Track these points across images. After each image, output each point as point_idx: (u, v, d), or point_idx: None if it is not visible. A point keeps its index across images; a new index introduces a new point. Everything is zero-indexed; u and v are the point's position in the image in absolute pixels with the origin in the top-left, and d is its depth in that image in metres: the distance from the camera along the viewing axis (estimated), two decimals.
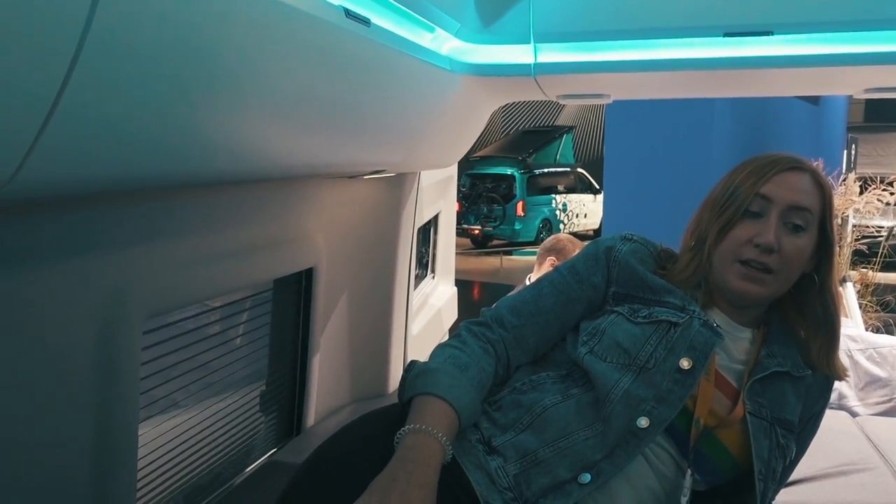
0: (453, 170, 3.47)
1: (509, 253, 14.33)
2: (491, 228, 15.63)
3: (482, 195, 15.83)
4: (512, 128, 19.24)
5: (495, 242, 15.67)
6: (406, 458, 1.09)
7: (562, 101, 2.10)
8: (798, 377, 1.27)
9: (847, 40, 1.65)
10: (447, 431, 1.14)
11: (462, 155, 2.42)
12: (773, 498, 1.28)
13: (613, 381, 1.21)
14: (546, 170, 16.44)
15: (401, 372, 2.58)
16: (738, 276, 1.22)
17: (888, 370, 2.54)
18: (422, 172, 2.75)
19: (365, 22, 1.21)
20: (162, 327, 1.52)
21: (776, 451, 1.24)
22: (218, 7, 0.87)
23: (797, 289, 1.27)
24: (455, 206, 3.60)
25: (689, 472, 1.20)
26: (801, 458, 1.33)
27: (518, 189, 15.68)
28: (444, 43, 1.69)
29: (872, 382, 2.54)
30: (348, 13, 1.14)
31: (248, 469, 1.88)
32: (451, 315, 3.71)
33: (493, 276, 11.95)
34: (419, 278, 3.46)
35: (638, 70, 1.77)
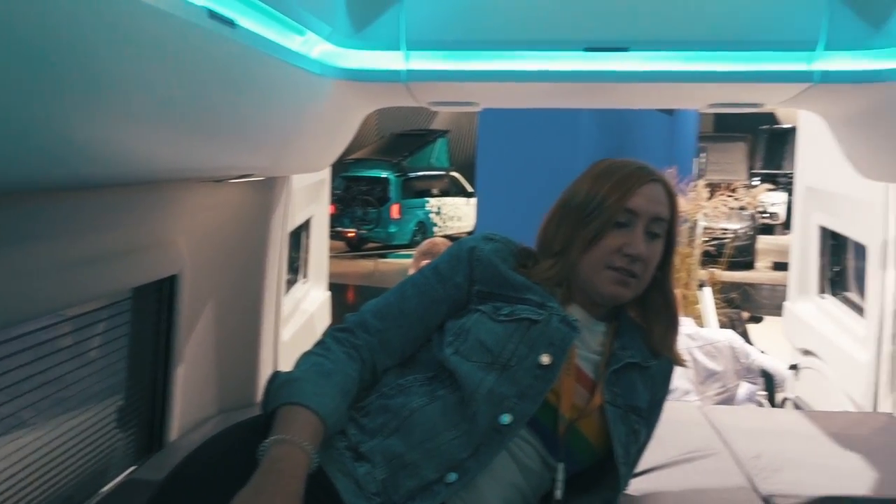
0: (326, 173, 3.43)
1: (384, 256, 14.34)
2: (366, 231, 15.56)
3: (357, 198, 15.74)
4: (387, 131, 19.25)
5: (370, 245, 15.64)
6: (270, 470, 1.07)
7: (433, 108, 2.13)
8: (645, 367, 1.37)
9: (694, 59, 1.78)
10: (312, 440, 1.13)
11: (334, 159, 2.40)
12: (628, 479, 1.37)
13: (478, 380, 1.24)
14: (421, 173, 16.57)
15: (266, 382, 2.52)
16: (609, 282, 1.30)
17: (723, 363, 2.76)
18: (293, 176, 2.70)
19: (230, 23, 1.17)
20: (7, 341, 1.40)
21: (631, 437, 1.33)
22: (73, 6, 0.82)
23: None
24: (328, 210, 3.56)
25: (561, 465, 1.26)
26: (649, 442, 1.42)
27: (393, 192, 15.71)
28: (315, 47, 1.67)
29: (710, 377, 2.75)
30: (212, 14, 1.11)
31: (104, 489, 1.77)
32: (325, 320, 3.67)
33: (367, 279, 11.92)
34: (291, 283, 3.40)
35: (506, 80, 1.83)
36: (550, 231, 1.38)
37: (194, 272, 1.96)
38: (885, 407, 2.44)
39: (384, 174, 15.90)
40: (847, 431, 2.18)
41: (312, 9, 1.56)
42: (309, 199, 3.25)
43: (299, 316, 3.25)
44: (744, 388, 2.92)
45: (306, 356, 1.29)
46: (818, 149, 3.12)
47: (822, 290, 3.35)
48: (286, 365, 2.56)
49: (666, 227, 1.33)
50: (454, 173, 17.08)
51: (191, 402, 2.04)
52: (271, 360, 2.49)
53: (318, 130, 1.94)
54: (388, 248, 15.03)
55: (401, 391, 1.29)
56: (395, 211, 15.64)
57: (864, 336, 2.68)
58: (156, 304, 1.89)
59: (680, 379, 2.74)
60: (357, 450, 1.23)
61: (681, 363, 1.44)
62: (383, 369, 1.34)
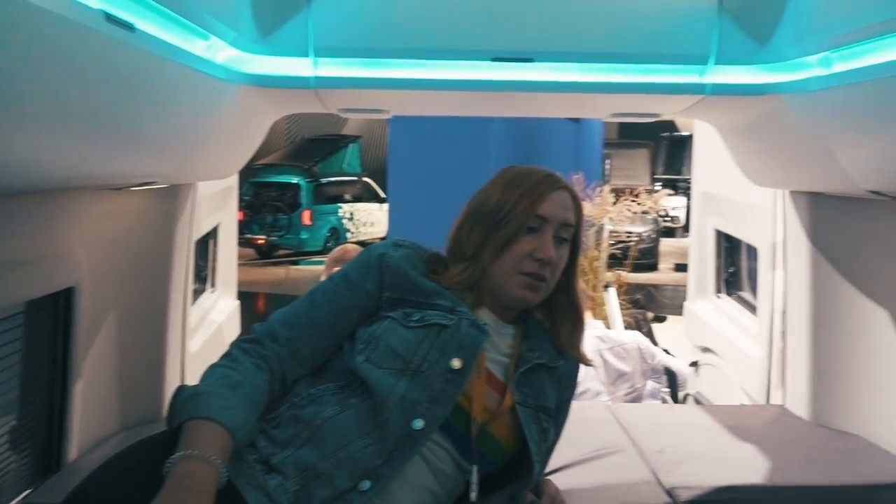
0: (233, 179, 3.35)
1: (296, 263, 14.11)
2: (276, 238, 15.28)
3: (267, 204, 15.43)
4: (297, 135, 18.97)
5: (281, 252, 15.36)
6: (177, 486, 1.04)
7: (343, 115, 2.12)
8: (553, 367, 1.41)
9: (596, 70, 1.85)
10: (221, 454, 1.11)
11: (241, 166, 2.35)
12: (540, 476, 1.41)
13: (390, 386, 1.25)
14: (333, 178, 16.41)
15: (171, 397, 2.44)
16: (519, 286, 1.33)
17: (631, 364, 2.87)
18: (199, 183, 2.63)
19: (128, 27, 1.14)
20: None
21: (542, 435, 1.36)
22: None
23: None
24: (236, 217, 3.48)
25: (475, 468, 1.28)
26: (558, 440, 1.47)
27: (304, 198, 15.49)
28: (220, 52, 1.63)
29: (619, 377, 2.86)
30: (109, 17, 1.07)
31: None
32: (234, 330, 3.58)
33: (278, 286, 11.70)
34: (198, 293, 3.30)
35: (415, 88, 1.84)
36: (461, 237, 1.40)
37: (93, 284, 1.88)
38: (776, 399, 2.59)
39: (295, 180, 15.66)
40: (742, 423, 2.31)
41: (216, 13, 1.52)
42: (216, 206, 3.17)
43: (207, 327, 3.16)
44: (649, 387, 3.05)
45: (213, 368, 1.26)
46: (713, 156, 3.28)
47: (719, 291, 3.53)
48: (194, 378, 2.47)
49: (572, 233, 1.38)
50: (366, 179, 17.01)
51: (91, 420, 1.95)
52: (178, 373, 2.41)
53: (225, 137, 1.90)
54: (299, 254, 14.80)
55: (312, 401, 1.28)
56: (306, 217, 15.42)
57: (757, 333, 2.83)
58: (51, 318, 1.80)
59: (592, 380, 2.83)
60: (268, 462, 1.21)
61: (587, 363, 1.48)
62: (293, 379, 1.33)
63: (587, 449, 2.03)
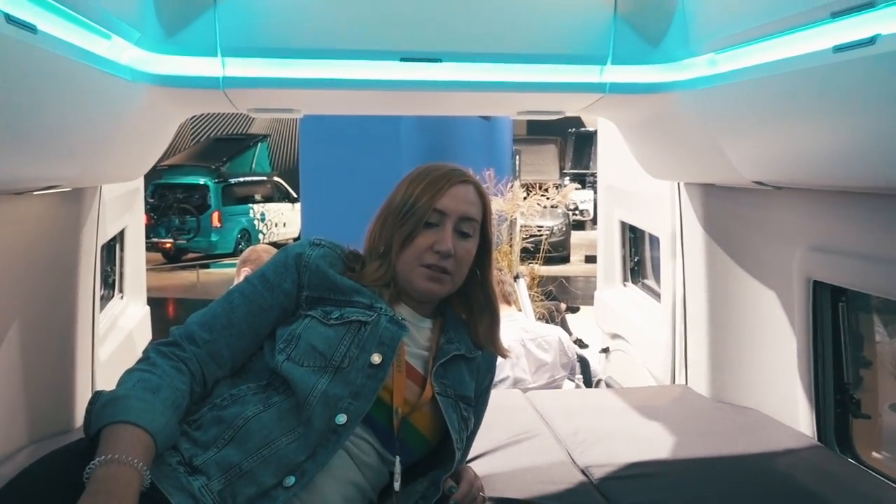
0: (139, 182, 3.26)
1: (206, 266, 13.74)
2: (184, 241, 14.83)
3: (173, 206, 14.94)
4: (203, 135, 18.43)
5: (190, 256, 14.92)
6: (98, 492, 1.04)
7: (252, 115, 2.11)
8: (471, 357, 1.47)
9: (501, 70, 1.91)
10: (143, 457, 1.11)
11: (148, 167, 2.30)
12: (462, 463, 1.46)
13: (312, 383, 1.27)
14: (242, 179, 16.04)
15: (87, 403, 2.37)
16: (422, 278, 1.38)
17: (552, 354, 2.99)
18: (104, 186, 2.55)
19: (30, 29, 1.11)
20: None
21: (463, 423, 1.41)
22: None
23: (464, 281, 1.45)
24: (143, 220, 3.39)
25: (397, 459, 1.32)
26: (478, 427, 1.53)
27: (213, 199, 15.08)
28: (124, 52, 1.61)
29: (541, 366, 2.97)
30: (9, 19, 1.05)
31: None
32: (145, 336, 3.48)
33: (189, 291, 11.37)
34: (106, 299, 3.20)
35: (324, 88, 1.86)
36: (375, 234, 1.44)
37: None
38: (680, 380, 2.74)
39: (202, 181, 15.23)
40: (649, 403, 2.44)
41: (119, 12, 1.50)
42: (122, 210, 3.08)
43: (117, 333, 3.07)
44: (567, 384, 3.18)
45: (130, 373, 1.25)
46: (615, 151, 3.43)
47: (626, 280, 3.70)
48: (104, 386, 2.41)
49: (478, 227, 1.43)
50: (277, 178, 16.72)
51: None
52: (88, 382, 2.34)
53: (131, 138, 1.86)
54: (210, 257, 14.41)
55: (234, 401, 1.29)
56: (215, 219, 15.03)
57: (661, 319, 2.99)
58: None
59: (515, 368, 2.93)
60: (191, 464, 1.21)
61: (504, 355, 1.55)
62: (214, 381, 1.33)
63: (505, 435, 2.10)
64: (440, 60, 1.85)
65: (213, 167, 15.46)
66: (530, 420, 2.26)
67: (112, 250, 3.24)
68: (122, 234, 3.24)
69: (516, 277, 4.10)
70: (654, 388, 2.88)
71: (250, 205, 15.86)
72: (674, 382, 2.83)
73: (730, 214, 2.30)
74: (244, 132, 18.06)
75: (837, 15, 1.29)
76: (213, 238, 14.98)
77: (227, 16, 1.76)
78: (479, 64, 1.88)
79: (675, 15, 1.80)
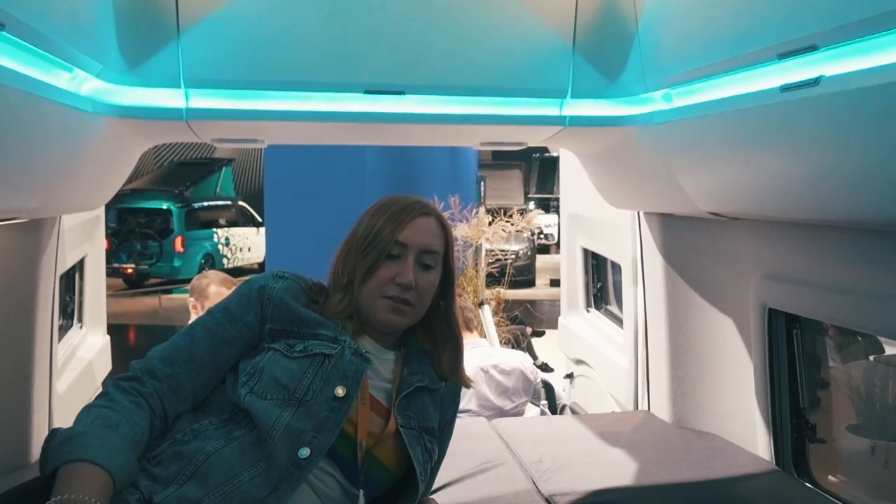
0: (100, 210, 3.22)
1: (169, 291, 13.54)
2: (147, 266, 14.60)
3: (135, 231, 14.73)
4: (166, 159, 18.25)
5: (152, 281, 14.69)
6: None
7: (216, 144, 2.11)
8: (434, 389, 1.47)
9: (463, 103, 1.95)
10: (100, 496, 1.09)
11: (109, 197, 2.28)
12: (426, 495, 1.46)
13: (274, 417, 1.26)
14: (206, 203, 15.89)
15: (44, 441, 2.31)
16: (384, 309, 1.38)
17: (514, 381, 3.01)
18: (64, 215, 2.52)
19: None
20: None
21: (427, 455, 1.42)
22: None
23: (427, 313, 1.46)
24: (103, 248, 3.34)
25: (360, 492, 1.31)
26: (443, 458, 1.53)
27: (176, 224, 14.90)
28: (85, 83, 1.60)
29: (503, 392, 2.98)
30: None
31: None
32: (104, 366, 3.41)
33: (151, 317, 11.19)
34: (64, 329, 3.14)
35: (288, 119, 1.87)
36: (338, 266, 1.45)
37: None
38: (643, 405, 2.78)
39: (165, 205, 15.04)
40: (613, 429, 2.47)
41: (80, 45, 1.49)
42: (82, 238, 3.03)
43: (76, 364, 3.01)
44: (532, 410, 3.20)
45: (89, 409, 1.23)
46: (577, 179, 3.49)
47: (589, 305, 3.74)
48: (62, 420, 2.36)
49: (440, 259, 1.44)
50: (242, 203, 16.59)
51: None
52: (45, 415, 2.29)
53: (91, 169, 1.85)
54: (173, 282, 14.20)
55: (195, 436, 1.28)
56: (178, 244, 14.84)
57: (623, 345, 3.03)
58: None
59: (477, 395, 2.94)
60: (151, 501, 1.19)
61: (467, 385, 1.55)
62: (175, 415, 1.32)
63: (470, 464, 2.10)
64: (403, 93, 1.88)
65: (176, 192, 15.29)
66: (495, 449, 2.27)
67: (72, 279, 3.18)
68: (81, 262, 3.19)
69: (481, 304, 4.13)
70: (617, 414, 2.91)
71: (214, 229, 15.70)
72: (637, 408, 2.87)
73: (688, 243, 2.36)
74: (208, 156, 17.92)
75: (784, 56, 1.35)
76: (176, 263, 14.78)
77: (191, 47, 1.76)
78: (441, 96, 1.91)
79: (631, 51, 1.86)
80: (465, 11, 1.86)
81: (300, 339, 1.36)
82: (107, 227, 14.62)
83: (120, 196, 15.15)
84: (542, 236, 15.98)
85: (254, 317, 1.36)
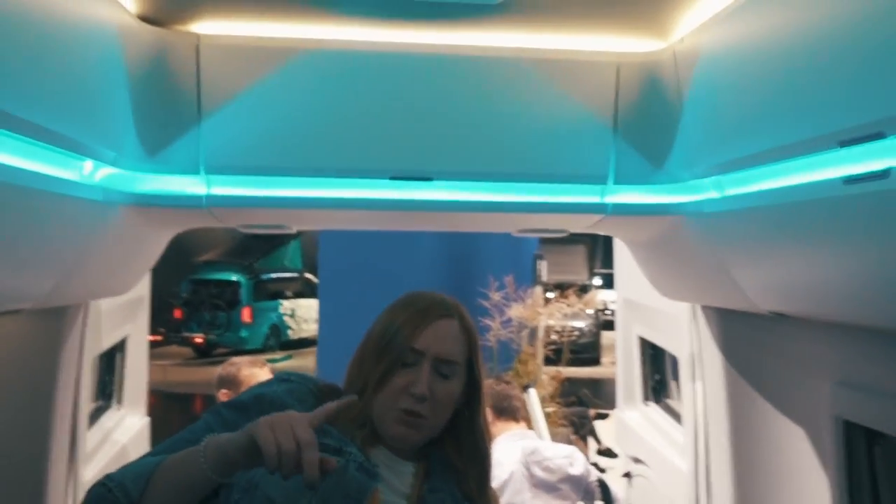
0: (143, 290, 3.21)
1: None
2: (215, 336, 14.88)
3: (205, 301, 15.09)
4: (238, 232, 18.76)
5: (220, 350, 14.91)
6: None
7: (243, 230, 2.05)
8: None
9: (498, 190, 1.83)
10: None
11: (137, 282, 2.23)
12: None
13: None
14: (274, 275, 16.21)
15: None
16: (396, 422, 1.24)
17: (559, 478, 2.77)
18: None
19: None
20: None
21: None
22: None
23: (451, 422, 1.32)
24: (146, 328, 3.31)
25: None
26: None
27: (244, 295, 15.23)
28: (98, 172, 1.55)
29: (548, 491, 2.74)
30: None
31: None
32: (142, 448, 3.34)
33: None
34: (102, 410, 3.09)
35: (311, 207, 1.79)
36: (353, 370, 1.32)
37: None
38: None
39: (234, 277, 15.43)
40: None
41: (92, 135, 1.45)
42: (123, 319, 3.01)
43: (110, 448, 2.94)
44: None
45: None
46: (631, 264, 3.31)
47: (647, 398, 3.48)
48: None
49: (461, 366, 1.30)
50: (308, 275, 16.84)
51: None
52: None
53: (110, 257, 1.79)
54: (239, 352, 14.36)
55: None
56: (246, 314, 15.12)
57: (683, 445, 2.77)
58: None
59: (517, 494, 2.72)
60: None
61: None
62: None
63: None
64: (431, 179, 1.77)
65: (246, 263, 15.67)
66: None
67: (112, 359, 3.15)
68: (123, 342, 3.16)
69: (525, 387, 3.86)
70: None
71: (280, 300, 15.94)
72: None
73: (749, 341, 2.13)
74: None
75: (847, 144, 1.18)
76: (243, 333, 15.04)
77: (212, 134, 1.72)
78: (471, 182, 1.80)
79: (677, 134, 1.71)
80: (496, 92, 1.76)
81: None
82: (179, 298, 15.18)
83: (193, 267, 15.66)
84: (607, 311, 15.54)
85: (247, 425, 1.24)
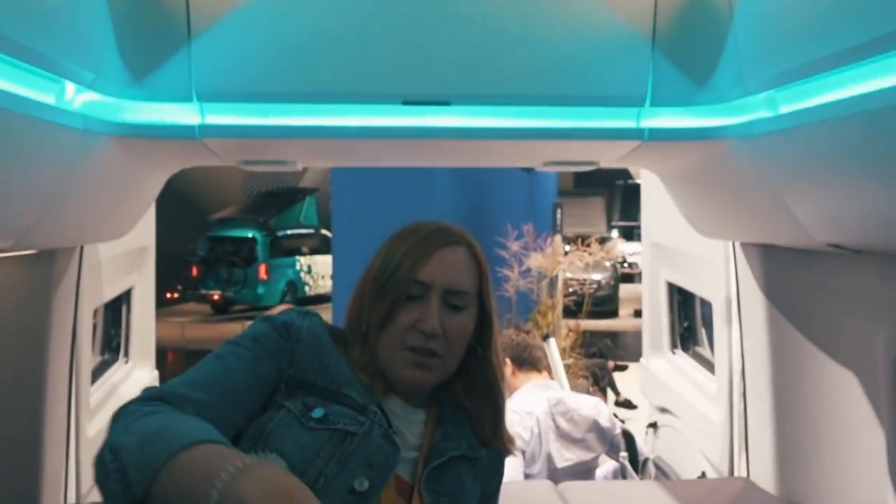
0: (148, 239, 3.07)
1: (252, 318, 13.71)
2: (232, 293, 14.93)
3: (221, 258, 15.10)
4: (253, 189, 18.76)
5: (237, 307, 14.97)
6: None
7: (242, 168, 1.88)
8: (474, 458, 1.17)
9: (523, 115, 1.64)
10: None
11: (131, 226, 2.08)
12: None
13: None
14: (290, 232, 16.16)
15: (60, 492, 2.12)
16: (406, 365, 1.10)
17: (583, 432, 2.65)
18: (101, 246, 2.35)
19: None
20: None
21: None
22: None
23: (462, 361, 1.18)
24: (152, 279, 3.18)
25: None
26: None
27: (260, 251, 15.24)
28: (77, 98, 1.39)
29: (573, 443, 2.62)
30: None
31: None
32: None
33: None
34: (107, 364, 2.98)
35: (317, 137, 1.62)
36: (352, 312, 1.17)
37: None
38: (740, 468, 2.36)
39: (251, 234, 15.42)
40: (707, 502, 2.07)
41: (67, 51, 1.28)
42: (126, 269, 2.88)
43: (117, 403, 2.82)
44: (607, 467, 2.81)
45: (139, 419, 0.91)
46: (661, 205, 3.12)
47: (674, 346, 3.32)
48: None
49: (473, 298, 1.15)
50: (324, 231, 16.76)
51: None
52: (62, 464, 2.10)
53: (97, 195, 1.64)
54: (256, 309, 14.44)
55: None
56: (262, 271, 15.12)
57: (716, 394, 2.62)
58: None
59: (544, 450, 2.59)
60: None
61: (510, 451, 1.25)
62: None
63: None
64: (448, 103, 1.59)
65: (261, 220, 15.64)
66: None
67: (118, 312, 3.04)
68: (128, 294, 3.04)
69: (545, 336, 3.70)
70: (710, 481, 2.49)
71: (297, 257, 15.93)
72: (732, 472, 2.45)
73: (796, 280, 1.96)
74: (293, 186, 18.34)
75: None
76: (260, 290, 15.09)
77: (204, 56, 1.54)
78: (494, 107, 1.61)
79: (725, 45, 1.51)
80: (520, 5, 1.56)
81: (321, 400, 1.08)
82: (195, 255, 15.21)
83: (209, 225, 15.66)
84: (625, 265, 15.38)
85: (284, 357, 1.09)
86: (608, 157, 1.83)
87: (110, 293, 2.68)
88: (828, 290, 1.86)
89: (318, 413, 1.06)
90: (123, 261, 2.79)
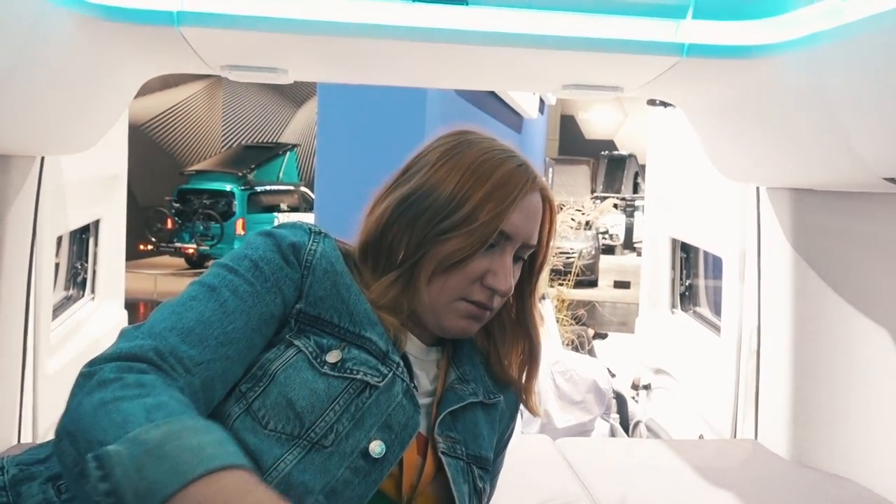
0: (120, 168, 2.85)
1: None
2: (208, 247, 14.65)
3: (198, 212, 14.79)
4: (232, 141, 18.39)
5: (212, 262, 14.71)
6: None
7: (230, 75, 1.66)
8: (490, 403, 1.02)
9: (548, 21, 1.44)
10: None
11: (98, 138, 1.86)
12: None
13: (272, 458, 0.82)
14: (269, 187, 15.86)
15: (13, 430, 1.93)
16: (459, 315, 0.95)
17: (584, 392, 2.53)
18: (66, 167, 2.13)
19: None
20: None
21: (474, 498, 0.96)
22: None
23: None
24: (123, 212, 2.96)
25: None
26: (493, 493, 1.06)
27: (238, 206, 14.94)
28: None
29: (572, 404, 2.50)
30: None
31: None
32: None
33: None
34: (72, 300, 2.78)
35: (313, 32, 1.41)
36: (390, 234, 0.95)
37: None
38: (745, 432, 2.23)
39: (229, 187, 15.09)
40: (713, 463, 1.94)
41: None
42: (94, 197, 2.66)
43: (80, 340, 2.63)
44: (602, 426, 2.70)
45: (131, 400, 0.72)
46: (670, 155, 2.95)
47: (675, 305, 3.19)
48: (52, 405, 1.94)
49: (535, 250, 1.01)
50: (304, 188, 16.46)
51: None
52: (16, 400, 1.90)
53: (57, 86, 1.42)
54: None
55: None
56: (240, 226, 14.84)
57: (719, 355, 2.48)
58: None
59: (543, 401, 2.47)
60: None
61: (534, 413, 1.10)
62: None
63: (531, 500, 1.62)
64: (466, 3, 1.39)
65: (240, 174, 15.32)
66: (562, 480, 1.77)
67: (83, 243, 2.82)
68: (96, 225, 2.82)
69: (542, 298, 3.59)
70: (716, 442, 2.37)
71: (276, 214, 15.64)
72: (735, 434, 2.32)
73: (830, 227, 1.80)
74: (274, 141, 18.01)
75: None
76: (237, 245, 14.74)
77: None
78: (516, 10, 1.42)
79: None
80: None
81: (338, 341, 0.89)
82: (171, 208, 14.89)
83: (185, 177, 15.32)
84: (606, 236, 15.34)
85: (290, 288, 0.90)
86: (637, 79, 1.64)
87: (76, 222, 2.46)
88: (864, 237, 1.71)
89: (331, 355, 0.88)
90: (91, 187, 2.57)
